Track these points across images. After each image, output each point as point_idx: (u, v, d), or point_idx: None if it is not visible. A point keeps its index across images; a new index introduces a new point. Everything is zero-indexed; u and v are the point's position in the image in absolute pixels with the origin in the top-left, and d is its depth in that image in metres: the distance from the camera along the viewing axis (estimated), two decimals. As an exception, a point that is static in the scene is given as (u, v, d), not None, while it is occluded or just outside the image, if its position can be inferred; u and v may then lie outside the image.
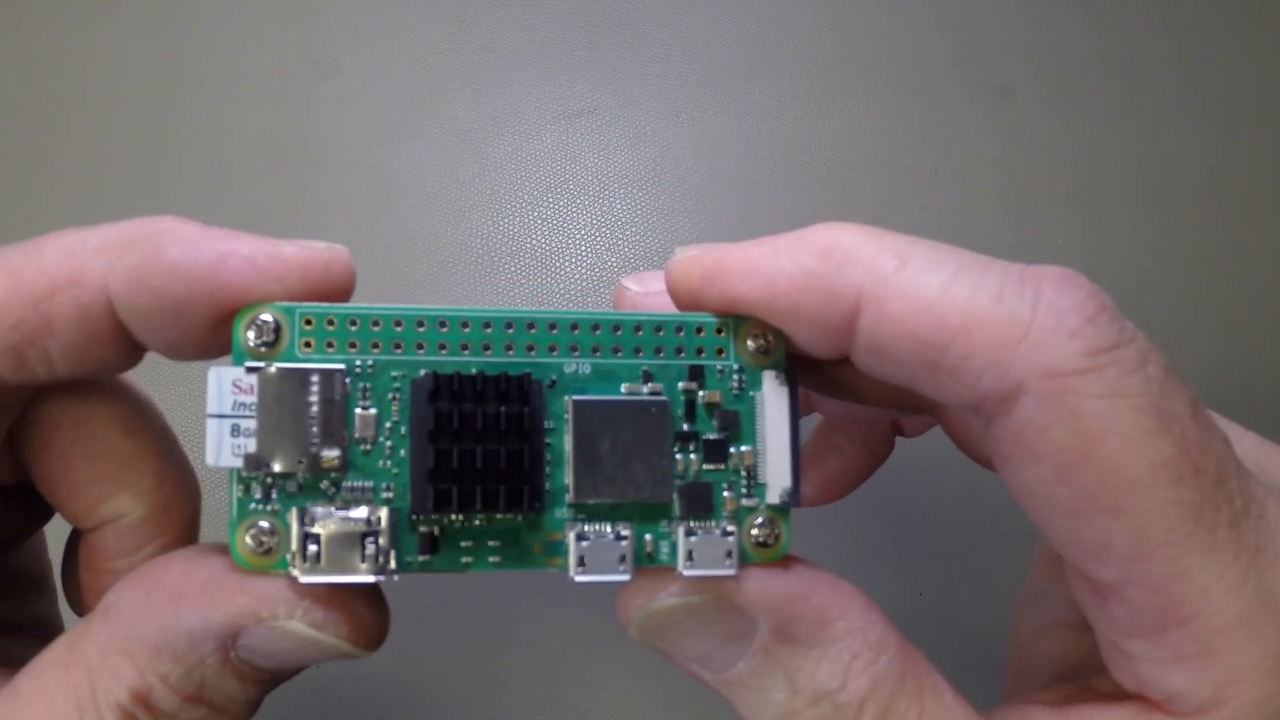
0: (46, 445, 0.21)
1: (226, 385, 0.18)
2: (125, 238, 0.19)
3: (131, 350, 0.20)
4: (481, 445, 0.19)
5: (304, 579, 0.18)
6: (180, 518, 0.22)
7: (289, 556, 0.18)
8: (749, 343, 0.20)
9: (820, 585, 0.20)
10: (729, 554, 0.19)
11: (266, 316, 0.19)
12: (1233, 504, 0.18)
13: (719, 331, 0.20)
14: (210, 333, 0.19)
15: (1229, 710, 0.18)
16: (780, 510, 0.20)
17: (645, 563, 0.20)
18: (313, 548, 0.18)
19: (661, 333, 0.20)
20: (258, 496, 0.19)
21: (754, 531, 0.20)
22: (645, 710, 0.37)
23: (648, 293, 0.22)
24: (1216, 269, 0.44)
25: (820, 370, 0.22)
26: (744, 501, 0.20)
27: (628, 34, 0.47)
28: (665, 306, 0.21)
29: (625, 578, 0.19)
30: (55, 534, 0.26)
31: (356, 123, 0.45)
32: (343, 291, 0.20)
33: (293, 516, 0.18)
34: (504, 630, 0.38)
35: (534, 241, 0.43)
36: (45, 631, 0.25)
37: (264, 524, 0.19)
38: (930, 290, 0.18)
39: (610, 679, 0.37)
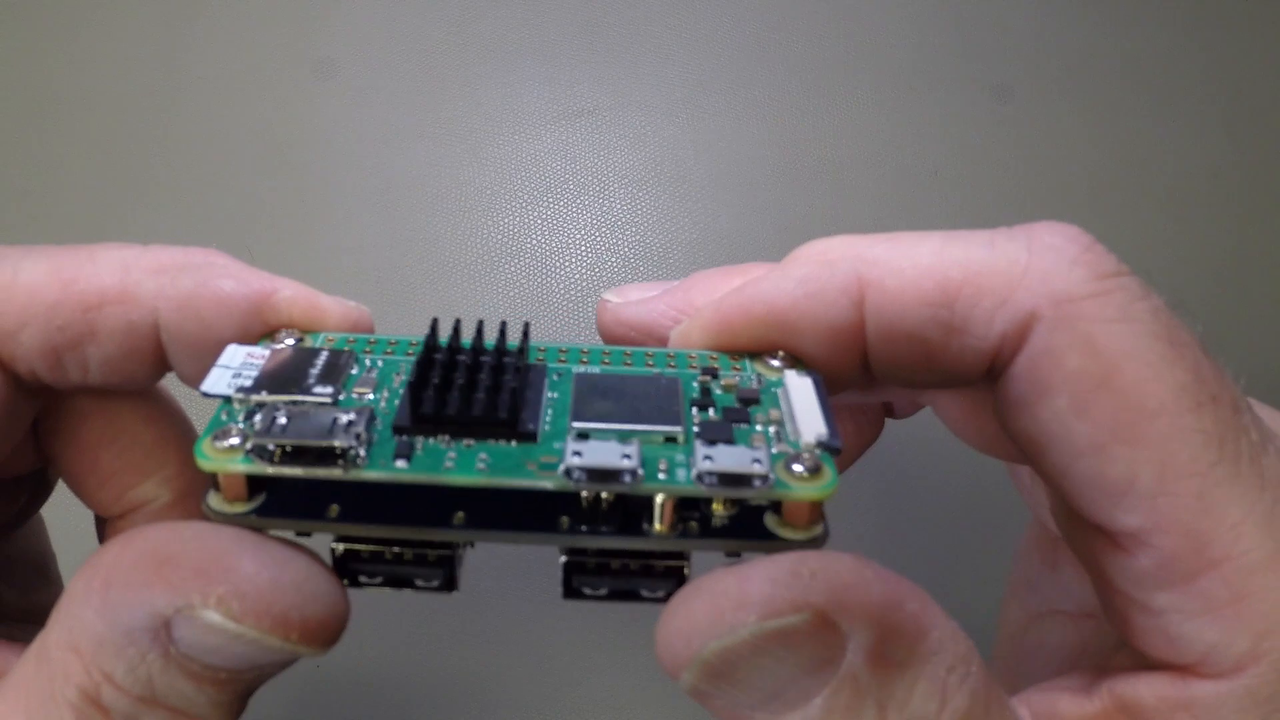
0: (73, 439, 0.22)
1: (240, 354, 0.19)
2: (178, 264, 0.20)
3: (160, 371, 0.21)
4: (468, 376, 0.17)
5: (251, 468, 0.16)
6: None
7: (248, 445, 0.16)
8: (767, 360, 0.20)
9: (905, 587, 0.16)
10: (757, 460, 0.16)
11: (294, 330, 0.20)
12: (1250, 436, 0.17)
13: (734, 356, 0.20)
14: None
15: (1267, 664, 0.16)
16: (819, 449, 0.17)
17: (653, 480, 0.16)
18: (282, 419, 0.16)
19: (673, 360, 0.20)
20: (239, 416, 0.17)
21: (796, 467, 0.16)
22: (646, 710, 0.37)
23: (628, 303, 0.22)
24: (1217, 269, 0.44)
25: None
26: (775, 448, 0.17)
27: (628, 34, 0.47)
28: (647, 316, 0.22)
29: (630, 464, 0.16)
30: (57, 523, 0.26)
31: (356, 123, 0.45)
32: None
33: (259, 414, 0.17)
34: (504, 630, 0.38)
35: (534, 241, 0.43)
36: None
37: (233, 432, 0.17)
38: (925, 257, 0.18)
39: (611, 679, 0.37)
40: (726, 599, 0.15)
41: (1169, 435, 0.17)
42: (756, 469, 0.16)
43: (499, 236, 0.43)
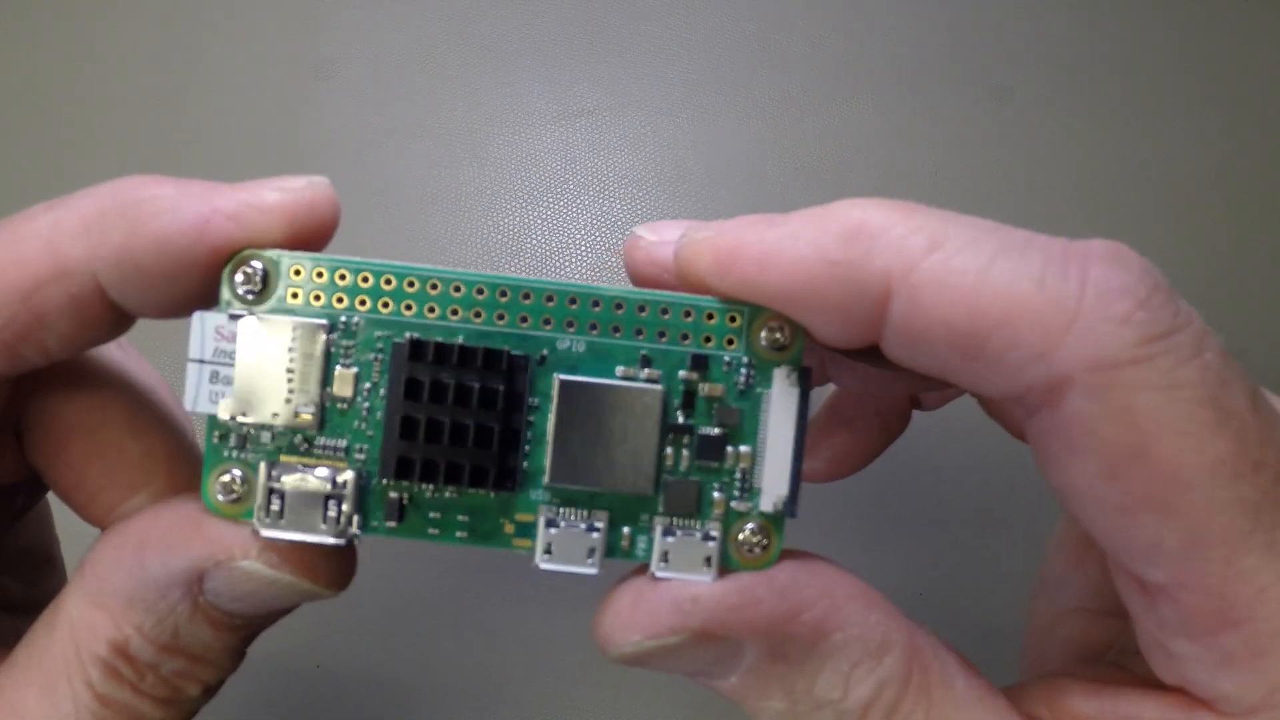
0: (58, 456, 0.21)
1: (210, 330, 0.18)
2: (102, 213, 0.18)
3: (124, 319, 0.20)
4: (452, 418, 0.18)
5: (265, 533, 0.19)
6: None
7: (255, 509, 0.19)
8: (763, 335, 0.19)
9: (812, 596, 0.18)
10: (708, 560, 0.18)
11: (255, 264, 0.18)
12: None
13: (731, 320, 0.19)
14: (204, 286, 0.19)
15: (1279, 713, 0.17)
16: (773, 519, 0.19)
17: (618, 556, 0.19)
18: (276, 504, 0.19)
19: (668, 315, 0.18)
20: (232, 444, 0.19)
21: (741, 537, 0.19)
22: (646, 710, 0.37)
23: (663, 241, 0.20)
24: (1217, 269, 0.44)
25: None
26: (734, 505, 0.19)
27: (628, 34, 0.47)
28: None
29: (591, 571, 0.19)
30: (64, 515, 0.26)
31: (356, 123, 0.45)
32: (330, 224, 0.20)
33: (261, 470, 0.19)
34: (505, 629, 0.38)
35: (534, 241, 0.43)
36: None
37: (236, 472, 0.19)
38: (967, 277, 0.16)
39: (611, 679, 0.37)
40: (619, 619, 0.19)
41: (1202, 506, 0.16)
42: (704, 575, 0.18)
43: (499, 236, 0.43)
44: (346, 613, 0.38)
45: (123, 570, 0.19)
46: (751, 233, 0.18)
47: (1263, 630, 0.16)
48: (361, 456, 0.19)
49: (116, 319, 0.20)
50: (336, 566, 0.20)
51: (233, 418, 0.18)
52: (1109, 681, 0.20)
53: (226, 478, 0.19)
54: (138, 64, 0.46)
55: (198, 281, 0.19)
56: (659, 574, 0.19)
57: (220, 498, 0.19)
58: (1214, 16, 0.48)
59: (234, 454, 0.19)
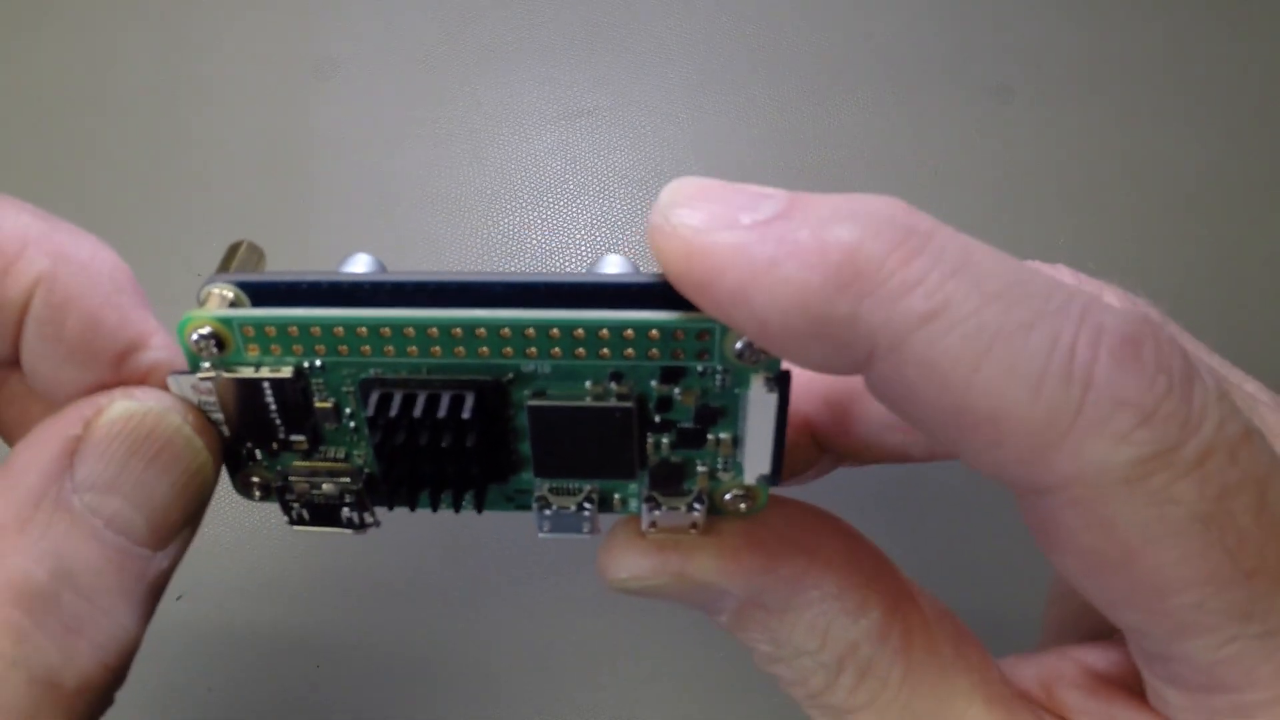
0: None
1: (187, 390, 0.19)
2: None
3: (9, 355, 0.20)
4: (430, 443, 0.18)
5: (295, 528, 0.21)
6: None
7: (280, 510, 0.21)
8: (736, 346, 0.17)
9: (791, 551, 0.19)
10: (694, 526, 0.19)
11: (204, 330, 0.18)
12: None
13: (700, 336, 0.17)
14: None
15: None
16: (757, 485, 0.19)
17: (611, 511, 0.20)
18: (295, 508, 0.21)
19: (632, 336, 0.17)
20: (244, 456, 0.20)
21: (728, 498, 0.20)
22: (646, 711, 0.37)
23: (712, 233, 0.16)
24: (1217, 269, 0.44)
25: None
26: (719, 475, 0.19)
27: (628, 34, 0.47)
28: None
29: (588, 536, 0.20)
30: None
31: (357, 123, 0.45)
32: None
33: (274, 487, 0.20)
34: (505, 629, 0.38)
35: (534, 241, 0.43)
36: None
37: (255, 479, 0.20)
38: (958, 368, 0.14)
39: (611, 679, 0.37)
40: (610, 557, 0.20)
41: (1187, 609, 0.15)
42: (690, 531, 0.20)
43: (499, 236, 0.43)
44: (346, 613, 0.38)
45: (5, 485, 0.18)
46: (732, 250, 0.15)
47: (1251, 701, 0.16)
48: (361, 460, 0.20)
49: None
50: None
51: (236, 443, 0.20)
52: (1112, 682, 0.20)
53: (247, 486, 0.21)
54: (138, 64, 0.46)
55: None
56: (649, 536, 0.20)
57: (251, 495, 0.21)
58: (1213, 17, 0.48)
59: (250, 464, 0.20)
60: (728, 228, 0.15)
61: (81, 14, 0.46)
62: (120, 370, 0.19)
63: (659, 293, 0.17)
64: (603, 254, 0.22)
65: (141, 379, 0.19)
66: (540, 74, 0.46)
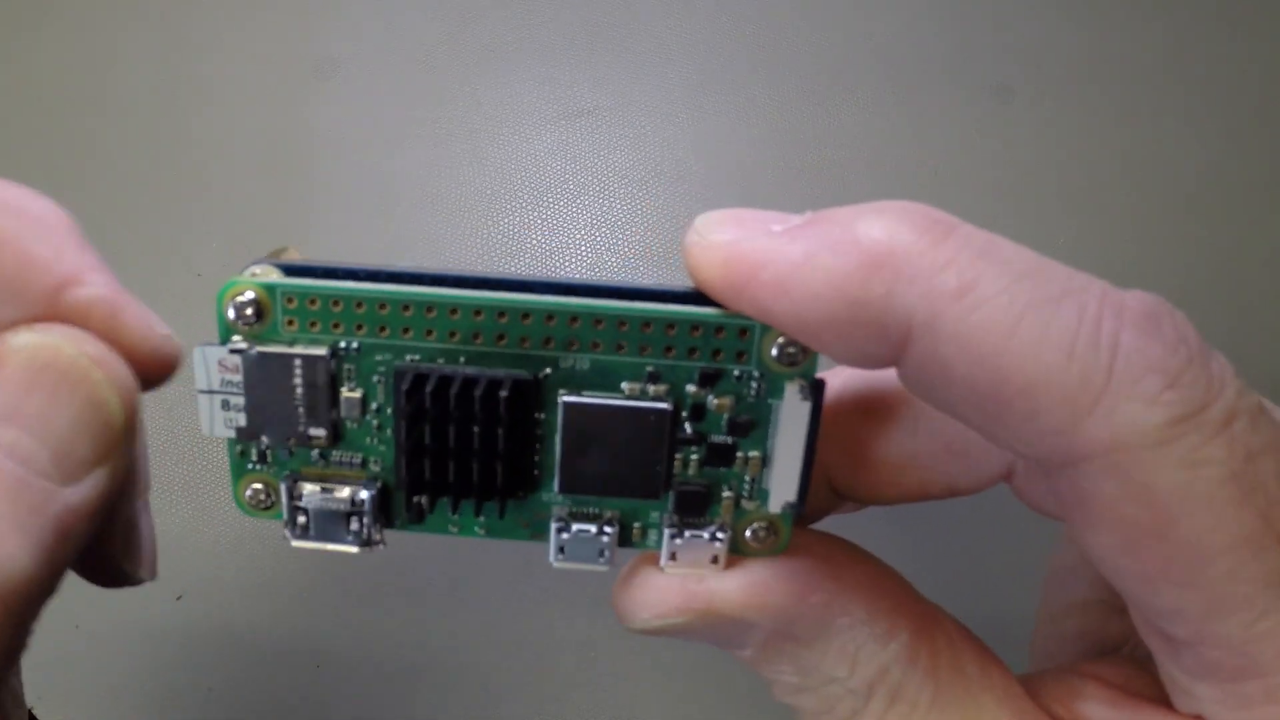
0: None
1: (213, 363, 0.18)
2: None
3: None
4: (457, 443, 0.18)
5: (295, 543, 0.19)
6: None
7: (283, 515, 0.20)
8: (774, 349, 0.18)
9: (819, 579, 0.19)
10: (715, 559, 0.19)
11: (248, 295, 0.18)
12: None
13: (741, 334, 0.18)
14: None
15: None
16: (781, 516, 0.19)
17: (631, 546, 0.20)
18: (301, 518, 0.19)
19: (674, 331, 0.18)
20: (253, 458, 0.19)
21: (749, 533, 0.19)
22: (646, 711, 0.37)
23: (742, 242, 0.18)
24: (1217, 269, 0.44)
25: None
26: (743, 503, 0.19)
27: (628, 34, 0.47)
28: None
29: (603, 569, 0.20)
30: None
31: (357, 123, 0.45)
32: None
33: (282, 490, 0.19)
34: (505, 629, 0.38)
35: (534, 241, 0.43)
36: None
37: (258, 485, 0.20)
38: (993, 335, 0.15)
39: (611, 679, 0.37)
40: (629, 598, 0.20)
41: (1224, 579, 0.16)
42: (712, 565, 0.19)
43: (499, 236, 0.43)
44: (346, 613, 0.38)
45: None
46: (767, 250, 0.17)
47: None
48: (377, 468, 0.19)
49: None
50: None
51: (249, 439, 0.19)
52: (1131, 693, 0.20)
53: (249, 493, 0.20)
54: (138, 64, 0.46)
55: None
56: (668, 570, 0.19)
57: (251, 504, 0.20)
58: (1213, 17, 0.48)
59: (257, 467, 0.19)
60: (763, 235, 0.17)
61: (81, 14, 0.46)
62: (56, 307, 0.18)
63: (693, 301, 0.18)
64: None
65: (79, 316, 0.18)
66: (540, 74, 0.46)
